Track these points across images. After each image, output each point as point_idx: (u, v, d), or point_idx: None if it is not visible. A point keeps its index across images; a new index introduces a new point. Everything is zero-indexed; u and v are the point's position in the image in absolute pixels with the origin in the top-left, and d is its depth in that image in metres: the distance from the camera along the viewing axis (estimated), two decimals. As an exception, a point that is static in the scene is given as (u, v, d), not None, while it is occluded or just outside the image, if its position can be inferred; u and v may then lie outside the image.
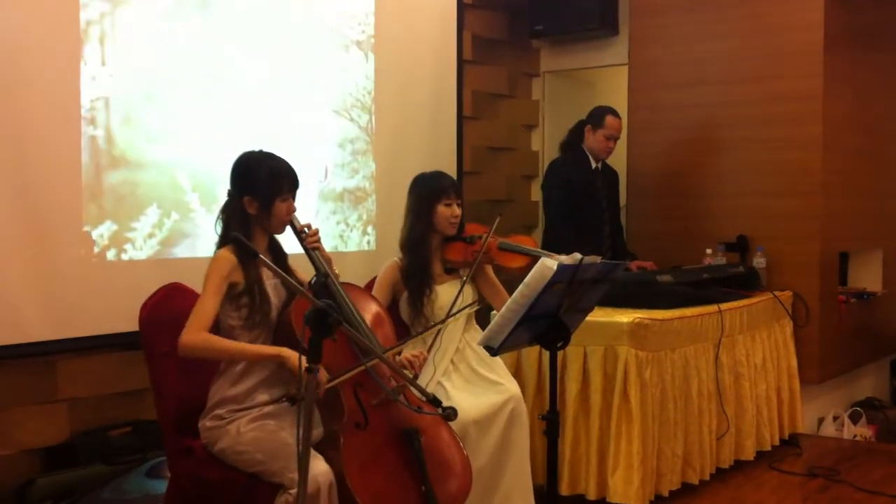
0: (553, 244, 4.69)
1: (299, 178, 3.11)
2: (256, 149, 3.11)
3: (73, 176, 3.80)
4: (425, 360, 3.38)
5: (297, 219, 3.12)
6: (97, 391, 3.90)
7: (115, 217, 3.94)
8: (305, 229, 3.13)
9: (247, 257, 2.90)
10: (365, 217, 5.08)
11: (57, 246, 3.71)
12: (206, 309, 2.88)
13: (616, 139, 5.17)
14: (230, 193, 3.06)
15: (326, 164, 4.89)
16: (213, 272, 2.92)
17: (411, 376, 3.24)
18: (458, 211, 3.69)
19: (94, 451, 3.77)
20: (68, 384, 3.82)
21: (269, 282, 3.01)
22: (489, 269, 3.81)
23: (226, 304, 2.95)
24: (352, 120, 5.03)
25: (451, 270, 3.76)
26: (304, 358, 2.34)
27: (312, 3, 4.80)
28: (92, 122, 3.87)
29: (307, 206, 4.65)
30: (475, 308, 3.75)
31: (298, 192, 3.12)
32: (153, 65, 4.08)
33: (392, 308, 3.67)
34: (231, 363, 2.99)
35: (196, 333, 2.85)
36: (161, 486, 3.43)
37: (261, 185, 3.00)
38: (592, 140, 5.12)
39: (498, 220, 3.68)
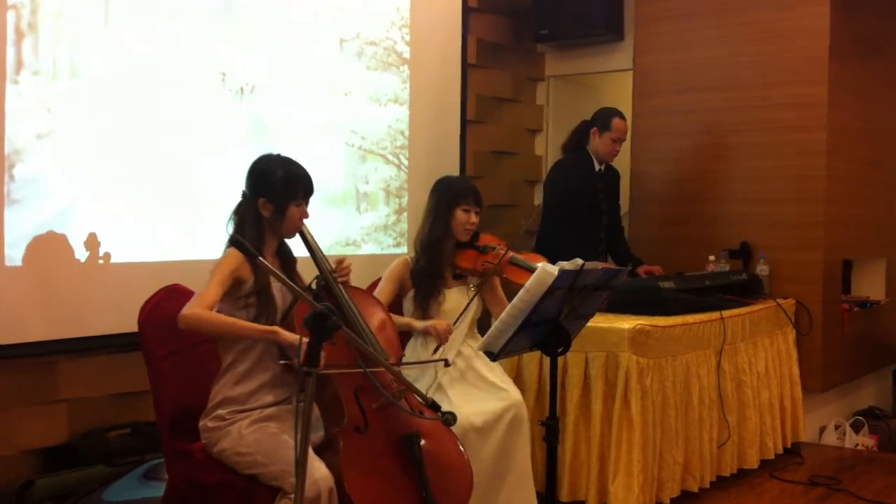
0: (546, 247, 4.66)
1: None
2: (275, 152, 3.13)
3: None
4: (450, 331, 3.51)
5: (306, 227, 3.14)
6: (97, 392, 3.88)
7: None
8: (333, 274, 3.11)
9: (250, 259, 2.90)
10: None
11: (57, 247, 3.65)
12: (209, 293, 2.86)
13: (622, 142, 5.13)
14: (244, 194, 3.08)
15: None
16: (221, 265, 2.93)
17: (436, 347, 3.44)
18: (475, 219, 3.72)
19: (94, 453, 3.75)
20: (68, 385, 3.80)
21: (276, 285, 3.01)
22: (497, 281, 3.80)
23: (233, 303, 2.96)
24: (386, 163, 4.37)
25: (458, 276, 3.76)
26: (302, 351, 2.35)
27: (309, 5, 4.32)
28: None
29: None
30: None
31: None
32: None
33: (392, 303, 3.67)
34: (234, 363, 2.98)
35: (195, 308, 2.83)
36: (157, 489, 3.42)
37: (276, 189, 3.03)
38: (598, 143, 5.06)
39: (505, 252, 3.64)
